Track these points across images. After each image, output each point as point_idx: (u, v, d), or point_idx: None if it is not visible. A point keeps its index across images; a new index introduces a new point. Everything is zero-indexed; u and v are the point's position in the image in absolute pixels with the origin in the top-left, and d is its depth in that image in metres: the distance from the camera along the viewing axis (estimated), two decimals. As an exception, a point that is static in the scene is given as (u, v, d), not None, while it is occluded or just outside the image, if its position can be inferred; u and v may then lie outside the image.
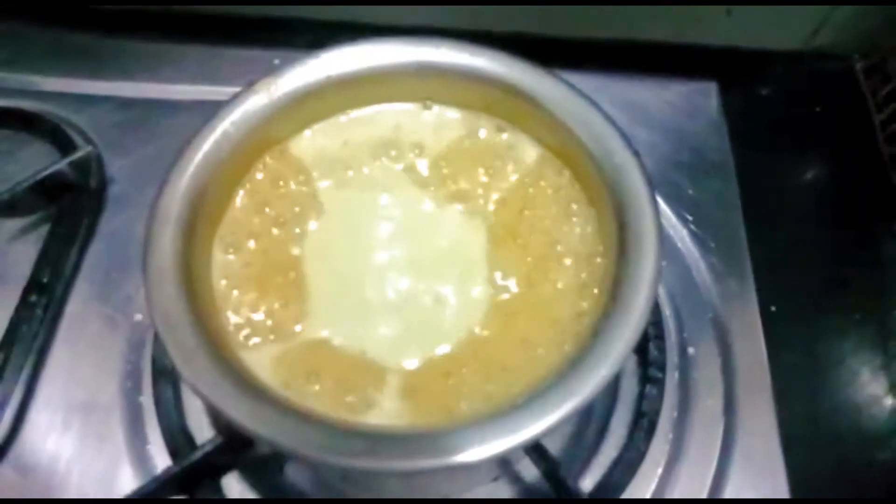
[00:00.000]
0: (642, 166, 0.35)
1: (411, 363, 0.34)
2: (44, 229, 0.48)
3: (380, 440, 0.28)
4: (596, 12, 0.55)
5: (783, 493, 0.43)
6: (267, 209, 0.37)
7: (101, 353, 0.45)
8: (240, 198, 0.37)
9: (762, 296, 0.50)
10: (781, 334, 0.49)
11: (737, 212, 0.54)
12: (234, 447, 0.38)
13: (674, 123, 0.58)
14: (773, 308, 0.50)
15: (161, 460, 0.42)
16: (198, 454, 0.38)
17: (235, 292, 0.35)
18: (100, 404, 0.44)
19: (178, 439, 0.42)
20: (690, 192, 0.54)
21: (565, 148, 0.38)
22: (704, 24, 0.59)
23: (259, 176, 0.38)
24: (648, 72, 0.61)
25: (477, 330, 0.34)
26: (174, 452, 0.41)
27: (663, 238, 0.34)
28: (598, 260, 0.36)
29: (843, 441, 0.47)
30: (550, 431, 0.29)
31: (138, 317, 0.46)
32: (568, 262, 0.36)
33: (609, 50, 0.60)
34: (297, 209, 0.38)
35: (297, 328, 0.34)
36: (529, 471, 0.42)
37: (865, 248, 0.55)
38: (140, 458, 0.42)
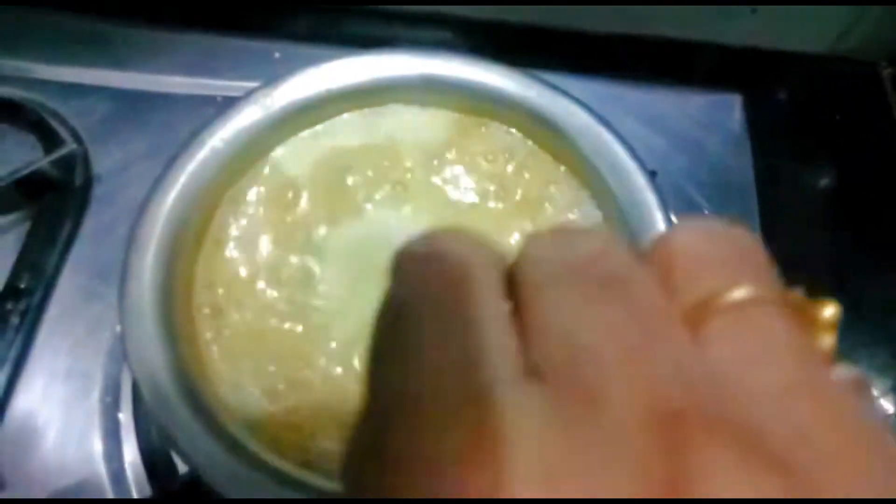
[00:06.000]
0: (658, 191, 0.33)
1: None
2: (22, 229, 0.45)
3: None
4: (611, 9, 0.53)
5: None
6: (254, 227, 0.35)
7: (81, 364, 0.43)
8: (226, 215, 0.35)
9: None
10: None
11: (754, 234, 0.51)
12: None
13: (694, 137, 0.55)
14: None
15: (138, 486, 0.40)
16: (176, 483, 0.36)
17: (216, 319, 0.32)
18: (77, 418, 0.42)
19: (157, 462, 0.39)
20: (707, 212, 0.51)
21: (578, 167, 0.36)
22: (727, 23, 0.57)
23: (248, 191, 0.35)
24: (668, 76, 0.58)
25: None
26: (152, 474, 0.39)
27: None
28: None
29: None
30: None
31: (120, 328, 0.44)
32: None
33: (626, 46, 0.57)
34: (288, 227, 0.35)
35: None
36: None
37: (886, 265, 0.53)
38: (117, 479, 0.40)
